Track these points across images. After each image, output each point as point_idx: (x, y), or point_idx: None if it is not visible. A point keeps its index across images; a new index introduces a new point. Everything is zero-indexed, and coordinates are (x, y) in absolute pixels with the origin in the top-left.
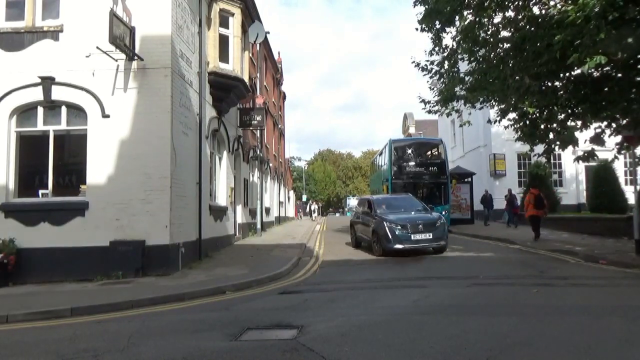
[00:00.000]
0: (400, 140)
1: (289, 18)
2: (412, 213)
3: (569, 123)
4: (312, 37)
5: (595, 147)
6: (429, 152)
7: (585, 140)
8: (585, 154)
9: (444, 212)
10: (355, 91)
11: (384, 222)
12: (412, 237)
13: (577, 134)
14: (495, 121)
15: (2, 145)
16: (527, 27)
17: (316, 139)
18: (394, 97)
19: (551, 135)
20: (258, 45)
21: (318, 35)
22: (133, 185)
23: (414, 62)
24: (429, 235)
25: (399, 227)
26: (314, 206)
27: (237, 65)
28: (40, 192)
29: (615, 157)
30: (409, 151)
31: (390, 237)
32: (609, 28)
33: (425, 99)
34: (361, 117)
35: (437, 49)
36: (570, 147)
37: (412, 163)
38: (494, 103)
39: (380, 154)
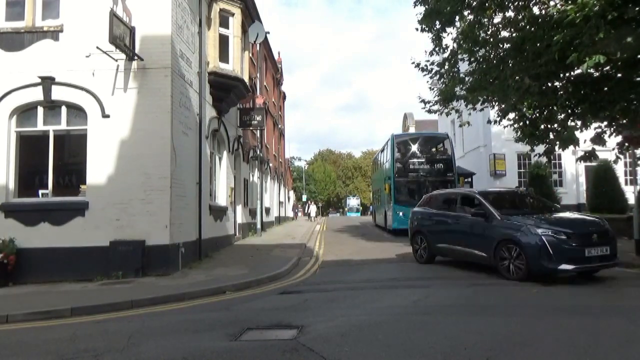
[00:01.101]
0: (403, 135)
1: (289, 18)
2: (551, 215)
3: (569, 123)
4: (312, 37)
5: (596, 147)
6: (435, 148)
7: (585, 140)
8: (587, 154)
9: None
10: (356, 91)
11: (534, 229)
12: (586, 253)
13: (577, 134)
14: (495, 121)
15: (2, 145)
16: (527, 27)
17: (317, 139)
18: (395, 98)
19: (551, 136)
20: (258, 45)
21: (319, 35)
22: (133, 185)
23: (413, 62)
24: (606, 250)
25: (564, 237)
26: (312, 207)
27: (237, 65)
28: (40, 192)
29: (618, 158)
30: (413, 147)
31: (551, 251)
32: (609, 28)
33: (425, 99)
34: (362, 117)
35: (437, 49)
36: (570, 147)
37: (416, 160)
38: (494, 103)
39: (382, 150)
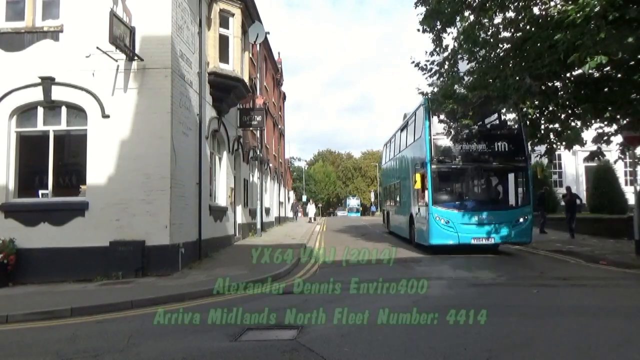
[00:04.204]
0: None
1: (292, 20)
2: None
3: (570, 124)
4: (316, 39)
5: (601, 147)
6: (494, 119)
7: (585, 141)
8: (593, 153)
9: (522, 219)
10: (360, 93)
11: None
12: None
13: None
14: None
15: (2, 146)
16: (528, 27)
17: (319, 140)
18: (399, 99)
19: (552, 136)
20: (258, 45)
21: (322, 37)
22: (133, 186)
23: (413, 61)
24: None
25: None
26: (311, 206)
27: (237, 65)
28: (40, 192)
29: (620, 158)
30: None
31: None
32: (610, 28)
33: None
34: (365, 118)
35: (437, 49)
36: (568, 148)
37: (465, 136)
38: (493, 103)
39: (403, 129)
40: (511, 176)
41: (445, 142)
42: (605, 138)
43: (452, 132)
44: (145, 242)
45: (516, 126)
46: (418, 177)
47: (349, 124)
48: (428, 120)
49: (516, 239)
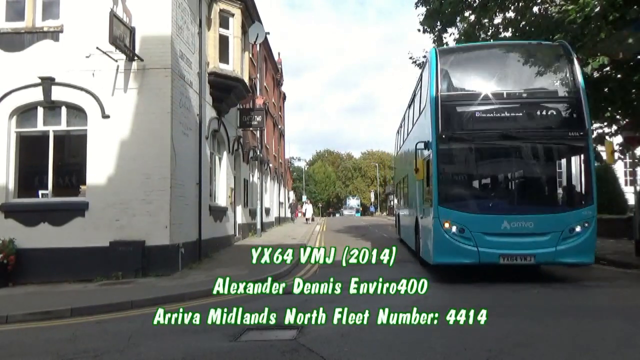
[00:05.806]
0: (461, 49)
1: (294, 21)
2: None
3: None
4: (319, 40)
5: (599, 148)
6: (538, 75)
7: None
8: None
9: (579, 227)
10: (362, 94)
11: None
12: None
13: None
14: None
15: (2, 146)
16: (528, 27)
17: (320, 141)
18: (400, 99)
19: None
20: (258, 45)
21: (325, 38)
22: (133, 186)
23: (411, 57)
24: None
25: None
26: (308, 206)
27: (237, 65)
28: (40, 192)
29: (619, 158)
30: (485, 72)
31: None
32: (610, 28)
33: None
34: (367, 118)
35: None
36: None
37: (494, 100)
38: None
39: (410, 104)
40: (563, 161)
41: (461, 108)
42: (603, 138)
43: (473, 99)
44: (145, 242)
45: (574, 85)
46: (420, 163)
47: (350, 124)
48: (435, 81)
49: (570, 257)
